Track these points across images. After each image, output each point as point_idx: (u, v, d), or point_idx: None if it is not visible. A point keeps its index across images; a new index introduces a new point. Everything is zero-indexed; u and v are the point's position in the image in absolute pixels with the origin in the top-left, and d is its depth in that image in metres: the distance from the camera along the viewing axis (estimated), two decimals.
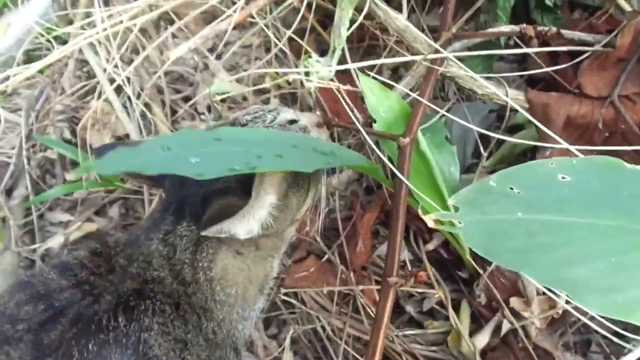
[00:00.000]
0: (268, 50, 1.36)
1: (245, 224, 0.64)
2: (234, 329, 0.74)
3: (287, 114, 0.78)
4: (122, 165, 0.42)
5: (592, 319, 0.78)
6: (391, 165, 0.68)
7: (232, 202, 0.65)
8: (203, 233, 0.63)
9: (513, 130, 1.03)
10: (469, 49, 0.86)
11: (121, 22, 0.94)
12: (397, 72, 1.23)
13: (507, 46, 1.03)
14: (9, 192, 1.30)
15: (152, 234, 0.70)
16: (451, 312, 0.89)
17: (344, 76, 0.98)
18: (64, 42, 1.43)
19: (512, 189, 0.44)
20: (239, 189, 0.66)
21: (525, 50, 0.82)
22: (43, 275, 0.65)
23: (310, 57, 0.84)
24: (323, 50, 1.31)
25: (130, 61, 1.38)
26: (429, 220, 0.44)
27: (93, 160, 0.48)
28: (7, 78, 1.05)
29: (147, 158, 0.45)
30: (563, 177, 0.45)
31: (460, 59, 1.01)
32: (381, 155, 0.69)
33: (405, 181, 0.68)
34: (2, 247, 1.22)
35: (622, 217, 0.42)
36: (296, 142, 0.59)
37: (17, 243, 1.21)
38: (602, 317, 0.82)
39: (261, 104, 0.81)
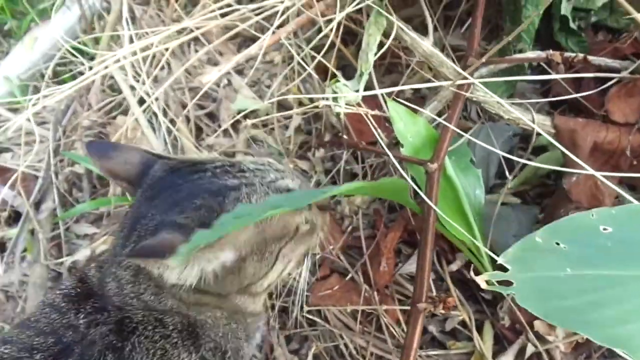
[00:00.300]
0: (290, 65, 1.37)
1: (181, 269, 0.59)
2: (239, 351, 0.71)
3: (291, 183, 0.71)
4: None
5: None
6: (421, 192, 0.69)
7: (174, 241, 0.56)
8: (126, 255, 0.59)
9: (537, 151, 1.04)
10: (495, 74, 0.87)
11: (151, 44, 0.97)
12: (419, 91, 1.25)
13: (530, 67, 1.04)
14: (37, 205, 1.34)
15: (112, 267, 0.67)
16: (475, 334, 0.89)
17: (368, 98, 0.99)
18: (91, 57, 1.47)
19: (557, 244, 0.45)
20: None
21: (550, 77, 0.83)
22: (44, 316, 0.65)
23: (337, 81, 0.86)
24: (344, 66, 1.32)
25: (155, 77, 1.41)
26: (481, 282, 0.45)
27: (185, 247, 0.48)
28: (38, 99, 1.08)
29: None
30: (605, 229, 0.45)
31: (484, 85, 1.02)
32: (409, 181, 0.70)
33: (435, 208, 0.69)
34: (31, 259, 1.25)
35: None
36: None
37: (45, 256, 1.24)
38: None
39: (274, 159, 0.75)
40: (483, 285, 0.45)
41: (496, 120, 1.09)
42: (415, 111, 0.84)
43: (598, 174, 0.72)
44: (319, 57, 0.93)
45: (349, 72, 1.31)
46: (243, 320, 0.74)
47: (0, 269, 1.26)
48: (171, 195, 0.65)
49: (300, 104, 1.32)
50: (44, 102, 0.99)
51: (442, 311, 0.66)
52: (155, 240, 0.58)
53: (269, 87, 1.40)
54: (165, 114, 1.36)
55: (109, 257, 0.70)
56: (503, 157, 1.02)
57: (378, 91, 0.78)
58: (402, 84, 1.18)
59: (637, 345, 0.38)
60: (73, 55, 1.49)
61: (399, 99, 0.85)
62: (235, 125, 1.35)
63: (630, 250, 0.44)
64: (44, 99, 1.01)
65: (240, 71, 1.47)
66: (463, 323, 0.98)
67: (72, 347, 0.61)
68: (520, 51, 0.96)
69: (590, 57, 0.81)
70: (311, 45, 1.01)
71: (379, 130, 0.93)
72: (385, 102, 0.83)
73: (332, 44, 1.14)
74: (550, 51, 0.81)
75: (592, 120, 0.81)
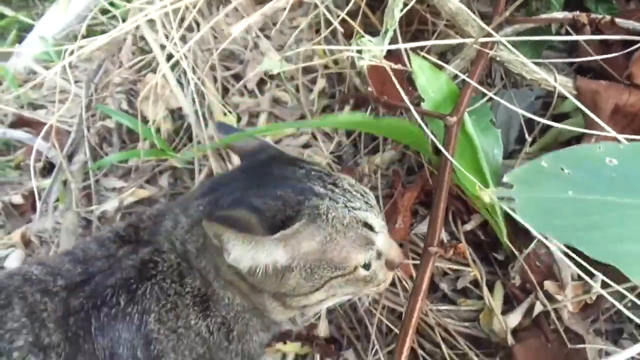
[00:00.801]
0: (317, 31, 1.39)
1: (242, 251, 0.59)
2: (248, 337, 0.71)
3: (372, 218, 0.67)
4: None
5: (626, 307, 0.79)
6: (436, 141, 0.71)
7: (253, 223, 0.59)
8: (204, 222, 0.59)
9: (558, 118, 1.04)
10: (520, 34, 0.87)
11: None
12: (444, 57, 1.25)
13: (558, 34, 1.04)
14: (70, 158, 1.40)
15: (177, 209, 0.70)
16: (485, 290, 0.91)
17: (393, 59, 1.01)
18: (123, 19, 1.51)
19: (562, 169, 0.47)
20: (272, 219, 0.61)
21: (576, 37, 0.83)
22: (85, 245, 0.70)
23: (362, 37, 0.88)
24: (370, 32, 1.33)
25: (183, 36, 1.44)
26: (486, 196, 0.47)
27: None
28: (72, 52, 1.12)
29: None
30: (610, 161, 0.47)
31: (510, 45, 1.02)
32: (427, 132, 0.72)
33: (449, 157, 0.71)
34: (63, 208, 1.31)
35: None
36: None
37: (77, 204, 1.30)
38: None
39: (367, 191, 0.71)
40: (486, 200, 0.47)
41: (520, 86, 1.09)
42: (439, 68, 0.85)
43: (620, 136, 0.73)
44: (342, 14, 0.94)
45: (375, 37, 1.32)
46: (262, 320, 0.73)
47: (35, 216, 1.33)
48: (259, 176, 0.67)
49: (326, 67, 1.33)
50: (78, 53, 1.03)
51: (453, 259, 0.68)
52: (237, 214, 0.59)
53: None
54: (193, 73, 1.39)
55: (178, 201, 0.74)
56: (524, 122, 1.03)
57: (402, 45, 0.80)
58: (426, 49, 1.19)
59: (629, 263, 0.40)
60: (106, 12, 1.54)
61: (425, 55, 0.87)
62: (260, 87, 1.38)
63: (633, 182, 0.45)
64: (78, 50, 1.05)
65: (267, 35, 1.50)
66: (475, 283, 1.01)
67: (93, 278, 0.64)
68: None
69: (617, 20, 0.81)
70: None
71: (401, 89, 0.95)
72: (409, 58, 0.85)
73: (358, 8, 1.15)
74: (577, 12, 0.81)
75: (614, 83, 0.81)
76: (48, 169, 1.42)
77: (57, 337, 0.60)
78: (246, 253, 0.59)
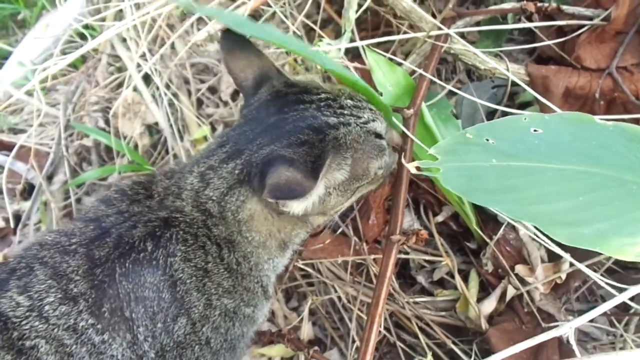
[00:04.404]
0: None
1: (300, 205, 0.68)
2: (261, 266, 0.78)
3: (380, 127, 0.75)
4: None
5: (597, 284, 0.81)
6: (402, 126, 0.73)
7: (297, 178, 0.64)
8: (265, 196, 0.64)
9: (522, 107, 1.06)
10: (472, 26, 0.90)
11: (148, 12, 1.02)
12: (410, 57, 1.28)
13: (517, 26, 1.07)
14: (49, 178, 1.41)
15: (195, 167, 0.74)
16: (457, 278, 0.93)
17: (359, 60, 1.03)
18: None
19: (487, 140, 0.49)
20: (305, 165, 0.66)
21: (525, 25, 0.86)
22: (93, 207, 0.73)
23: (321, 40, 0.90)
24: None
25: (161, 57, 1.47)
26: (412, 168, 0.49)
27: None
28: (46, 77, 1.14)
29: None
30: (535, 130, 0.49)
31: (471, 41, 1.05)
32: (395, 121, 0.74)
33: (414, 138, 0.73)
34: (44, 228, 1.32)
35: (589, 163, 0.45)
36: None
37: (57, 224, 1.31)
38: (608, 284, 0.85)
39: (364, 97, 0.78)
40: (413, 171, 0.49)
41: (482, 79, 1.12)
42: (398, 64, 0.88)
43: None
44: (301, 17, 0.97)
45: None
46: (269, 250, 0.79)
47: (16, 239, 1.34)
48: (277, 125, 0.72)
49: (297, 74, 1.36)
50: (49, 72, 1.05)
51: (428, 255, 0.69)
52: (282, 177, 0.64)
53: None
54: (168, 88, 1.42)
55: (195, 159, 0.77)
56: (488, 115, 1.06)
57: (358, 43, 0.82)
58: (393, 49, 1.22)
59: (546, 221, 0.41)
60: (81, 35, 1.56)
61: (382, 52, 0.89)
62: (234, 97, 1.40)
63: (555, 148, 0.47)
64: (50, 69, 1.07)
65: None
66: (451, 274, 1.02)
67: (110, 230, 0.68)
68: None
69: (563, 6, 0.83)
70: (295, 6, 1.04)
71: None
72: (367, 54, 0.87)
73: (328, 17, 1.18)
74: (525, 1, 0.84)
75: (564, 67, 0.84)
76: (28, 190, 1.43)
77: (83, 287, 0.64)
78: (303, 204, 0.69)
